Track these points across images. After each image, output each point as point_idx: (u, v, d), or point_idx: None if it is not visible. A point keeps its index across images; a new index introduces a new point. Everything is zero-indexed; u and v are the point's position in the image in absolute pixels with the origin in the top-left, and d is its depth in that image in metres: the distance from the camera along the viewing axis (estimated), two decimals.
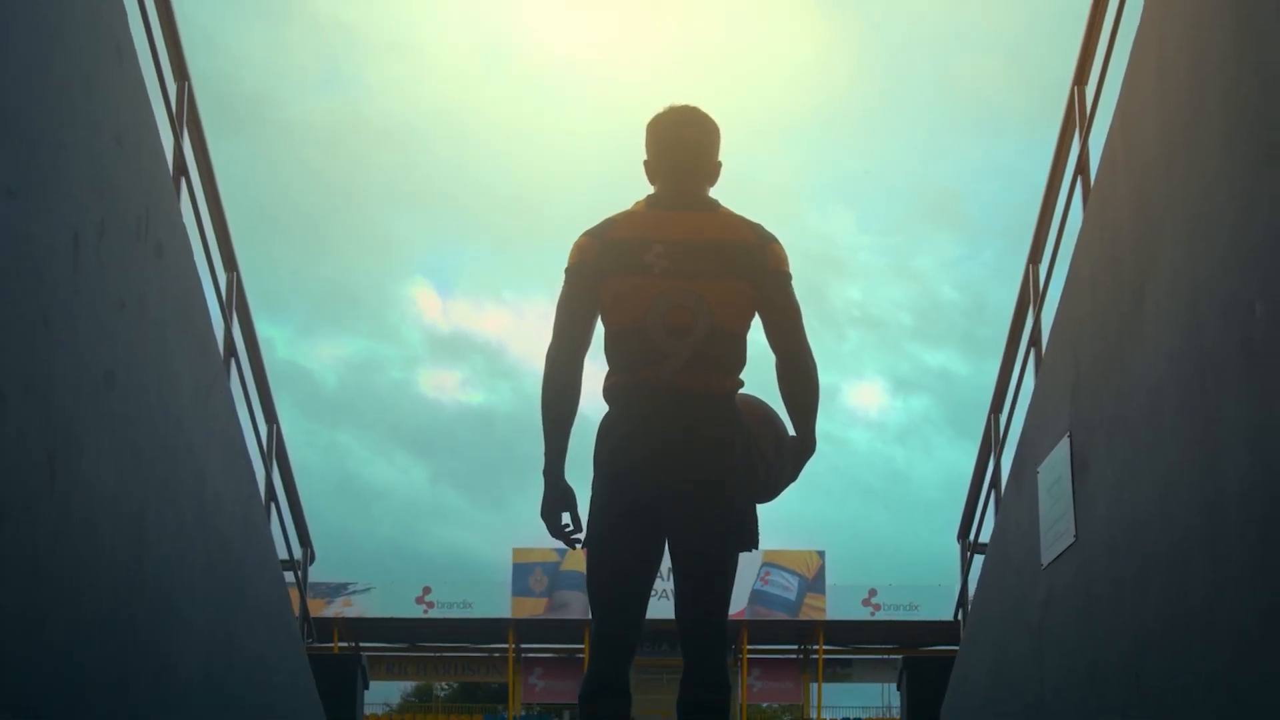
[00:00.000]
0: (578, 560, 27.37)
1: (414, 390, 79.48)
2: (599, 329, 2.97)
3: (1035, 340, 5.25)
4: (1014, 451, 5.37)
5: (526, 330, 75.38)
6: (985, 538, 6.23)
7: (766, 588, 29.65)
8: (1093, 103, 4.52)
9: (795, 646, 32.63)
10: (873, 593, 30.19)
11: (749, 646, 31.18)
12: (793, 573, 29.80)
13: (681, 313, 2.88)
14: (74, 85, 2.98)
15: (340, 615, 29.89)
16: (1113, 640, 3.84)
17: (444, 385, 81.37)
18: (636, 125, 3.14)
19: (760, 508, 3.00)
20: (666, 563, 2.97)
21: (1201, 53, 3.12)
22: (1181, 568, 3.22)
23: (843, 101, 78.92)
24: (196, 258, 4.35)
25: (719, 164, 3.07)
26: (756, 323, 2.98)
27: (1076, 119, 4.66)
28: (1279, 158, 2.62)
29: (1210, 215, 3.03)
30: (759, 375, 3.01)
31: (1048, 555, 4.62)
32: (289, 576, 6.46)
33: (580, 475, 2.94)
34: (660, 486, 2.83)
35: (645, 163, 3.06)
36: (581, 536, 2.92)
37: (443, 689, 41.49)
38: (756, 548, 2.97)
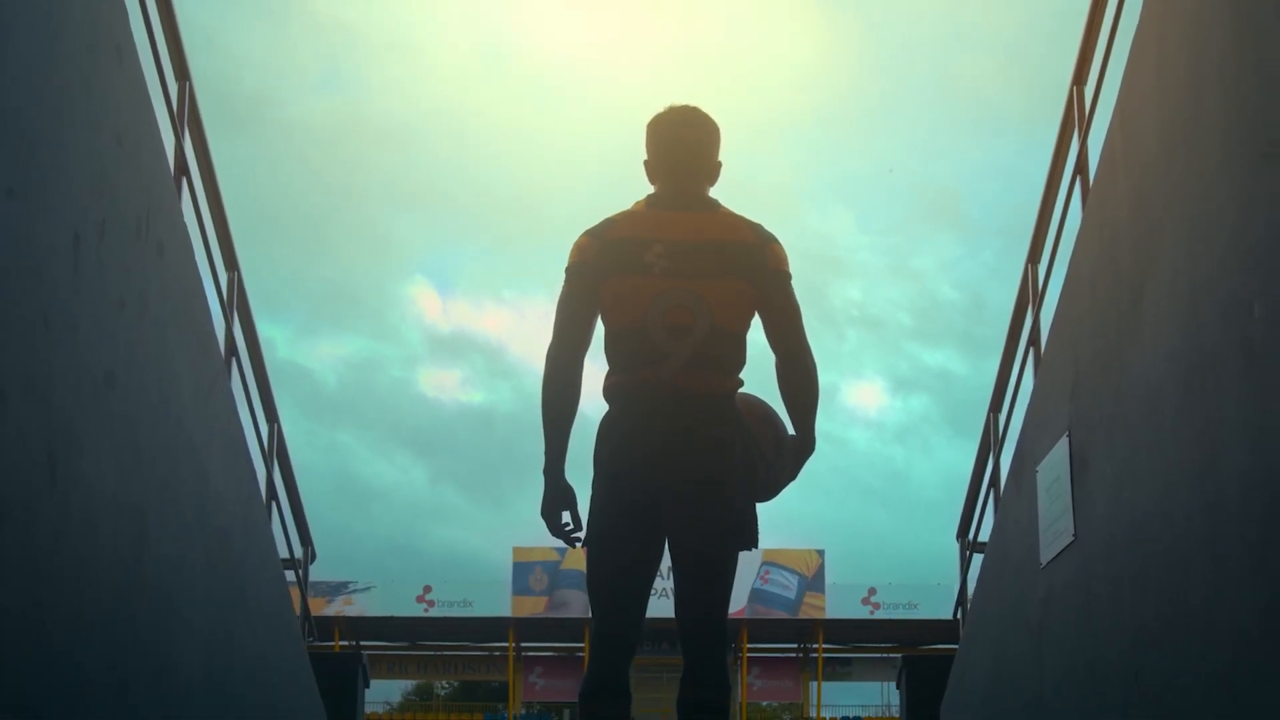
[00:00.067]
0: (578, 559, 27.38)
1: (414, 390, 79.50)
2: (599, 329, 2.98)
3: (1034, 340, 5.25)
4: (1013, 451, 5.38)
5: (526, 330, 75.42)
6: (984, 537, 6.23)
7: (766, 586, 29.67)
8: (1092, 102, 4.53)
9: (795, 645, 32.65)
10: (872, 591, 30.21)
11: (749, 645, 31.20)
12: (792, 572, 29.81)
13: (681, 313, 2.88)
14: (74, 85, 2.98)
15: (341, 614, 29.90)
16: (1112, 639, 3.84)
17: (444, 385, 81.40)
18: (637, 125, 3.15)
19: (760, 507, 3.01)
20: (666, 562, 2.97)
21: (1200, 52, 3.12)
22: (1181, 567, 3.23)
23: (842, 101, 78.94)
24: (197, 257, 4.35)
25: (719, 164, 3.08)
26: (756, 322, 2.99)
27: (1076, 119, 4.66)
28: (1278, 156, 2.63)
29: (1209, 214, 3.03)
30: (759, 375, 3.02)
31: (1047, 554, 4.62)
32: (290, 575, 6.46)
33: (580, 474, 2.95)
34: (660, 486, 2.84)
35: (645, 162, 3.07)
36: (581, 535, 2.92)
37: (443, 687, 41.52)
38: (756, 547, 2.98)
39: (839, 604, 29.94)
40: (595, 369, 2.99)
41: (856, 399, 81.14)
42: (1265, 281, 2.68)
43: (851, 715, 33.08)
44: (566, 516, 2.92)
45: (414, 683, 40.16)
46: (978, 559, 6.37)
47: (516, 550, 30.17)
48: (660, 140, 3.05)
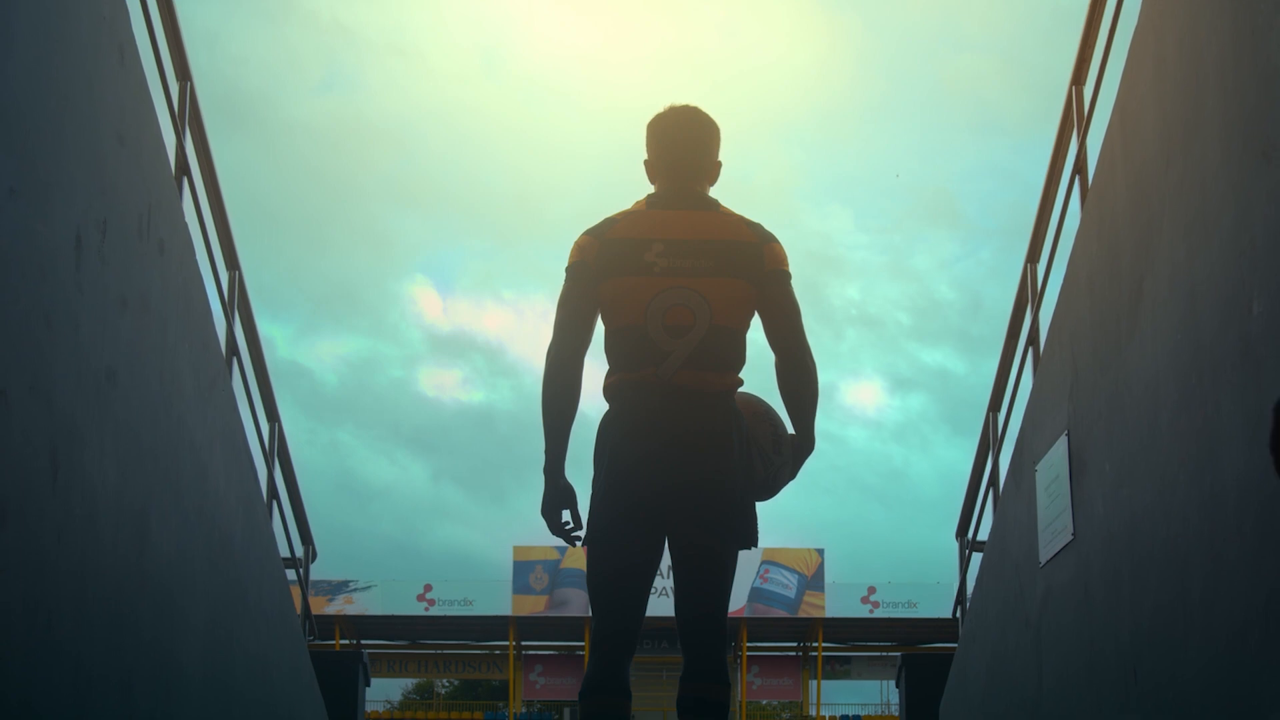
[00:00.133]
0: (578, 558, 27.40)
1: (414, 389, 79.54)
2: (599, 327, 2.99)
3: (1033, 339, 5.26)
4: (1012, 449, 5.39)
5: (526, 329, 75.46)
6: (984, 536, 6.24)
7: (766, 585, 29.66)
8: (1090, 102, 4.53)
9: (795, 644, 32.65)
10: (872, 590, 30.20)
11: (748, 644, 31.20)
12: (792, 570, 29.81)
13: (681, 311, 2.89)
14: (77, 85, 2.99)
15: (341, 613, 29.91)
16: (1110, 637, 3.85)
17: (444, 384, 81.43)
18: (636, 125, 3.16)
19: (759, 505, 3.02)
20: (666, 560, 2.98)
21: (1199, 51, 3.13)
22: (1179, 564, 3.24)
23: (841, 101, 78.98)
24: (198, 256, 4.36)
25: (719, 163, 3.09)
26: (756, 321, 3.00)
27: (1074, 118, 4.67)
28: (1276, 156, 2.63)
29: (1208, 213, 3.04)
30: (759, 374, 3.03)
31: (1046, 553, 4.63)
32: (290, 574, 6.47)
33: (580, 473, 2.96)
34: (660, 484, 2.85)
35: (646, 162, 3.08)
36: (581, 534, 2.93)
37: (444, 686, 41.51)
38: (756, 545, 2.98)
39: (838, 603, 29.93)
40: (595, 368, 3.00)
41: (855, 398, 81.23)
42: (1263, 280, 2.68)
43: (851, 714, 33.08)
44: (567, 515, 2.93)
45: (414, 681, 40.16)
46: (977, 558, 6.37)
47: (517, 549, 30.17)
48: (660, 140, 3.06)
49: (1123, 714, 3.72)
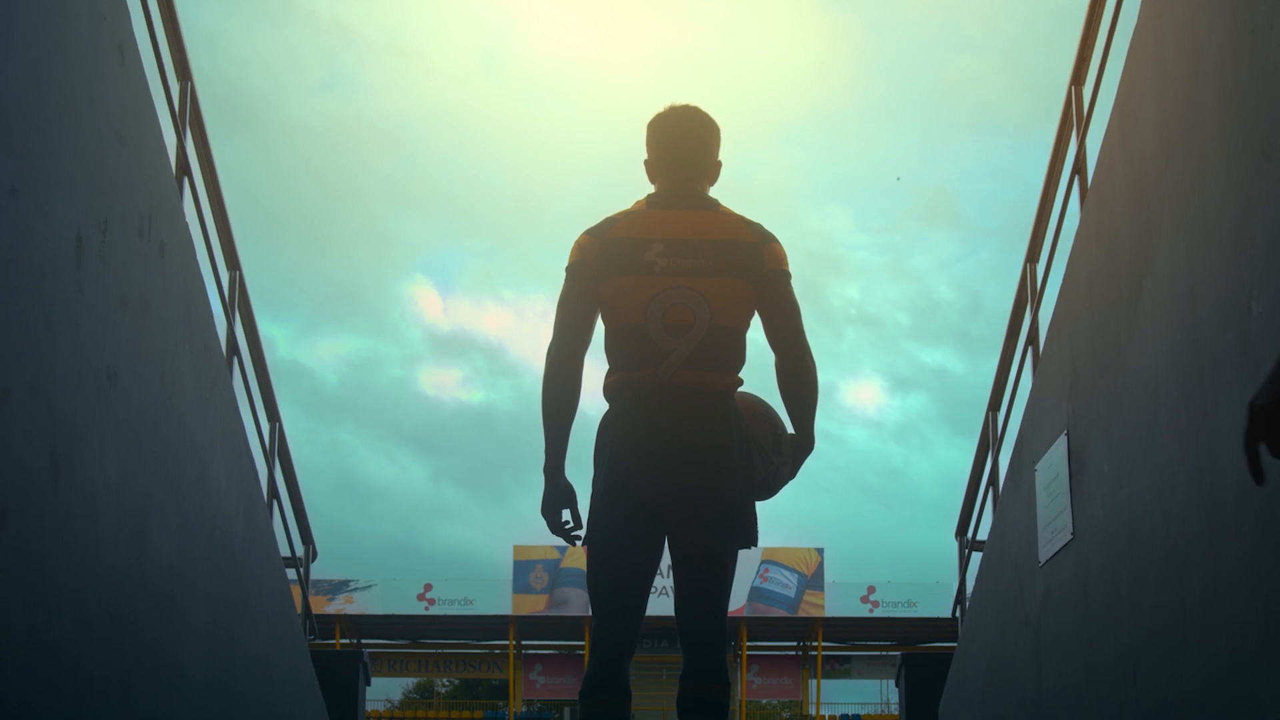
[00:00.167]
0: (578, 557, 27.40)
1: (415, 388, 79.55)
2: (600, 327, 2.99)
3: (1033, 339, 5.26)
4: (1012, 449, 5.39)
5: (526, 329, 75.48)
6: (983, 535, 6.25)
7: (766, 585, 29.67)
8: (1090, 102, 4.54)
9: (794, 643, 32.65)
10: (871, 590, 30.20)
11: (748, 643, 31.20)
12: (792, 570, 29.81)
13: (681, 311, 2.90)
14: (77, 85, 2.99)
15: (342, 612, 29.91)
16: (1110, 636, 3.85)
17: (444, 383, 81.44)
18: (637, 125, 3.16)
19: (759, 505, 3.02)
20: (666, 560, 2.99)
21: (1198, 51, 3.13)
22: (1178, 564, 3.24)
23: (841, 101, 79.01)
24: (199, 256, 4.36)
25: (719, 163, 3.09)
26: (756, 321, 3.00)
27: (1074, 119, 4.67)
28: (1275, 155, 2.64)
29: (1207, 213, 3.04)
30: (759, 374, 3.03)
31: (1045, 552, 4.64)
32: (291, 574, 6.48)
33: (580, 472, 2.96)
34: (660, 484, 2.85)
35: (646, 162, 3.08)
36: (581, 533, 2.93)
37: (444, 685, 41.52)
38: (756, 545, 2.99)
39: (838, 602, 29.94)
40: (596, 367, 3.00)
41: (855, 398, 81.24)
42: (1263, 279, 2.69)
43: (851, 713, 33.08)
44: (566, 514, 2.94)
45: (415, 680, 40.16)
46: (976, 557, 6.38)
47: (517, 548, 30.17)
48: (661, 139, 3.06)
49: (1122, 714, 3.72)
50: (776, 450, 3.03)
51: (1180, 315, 3.23)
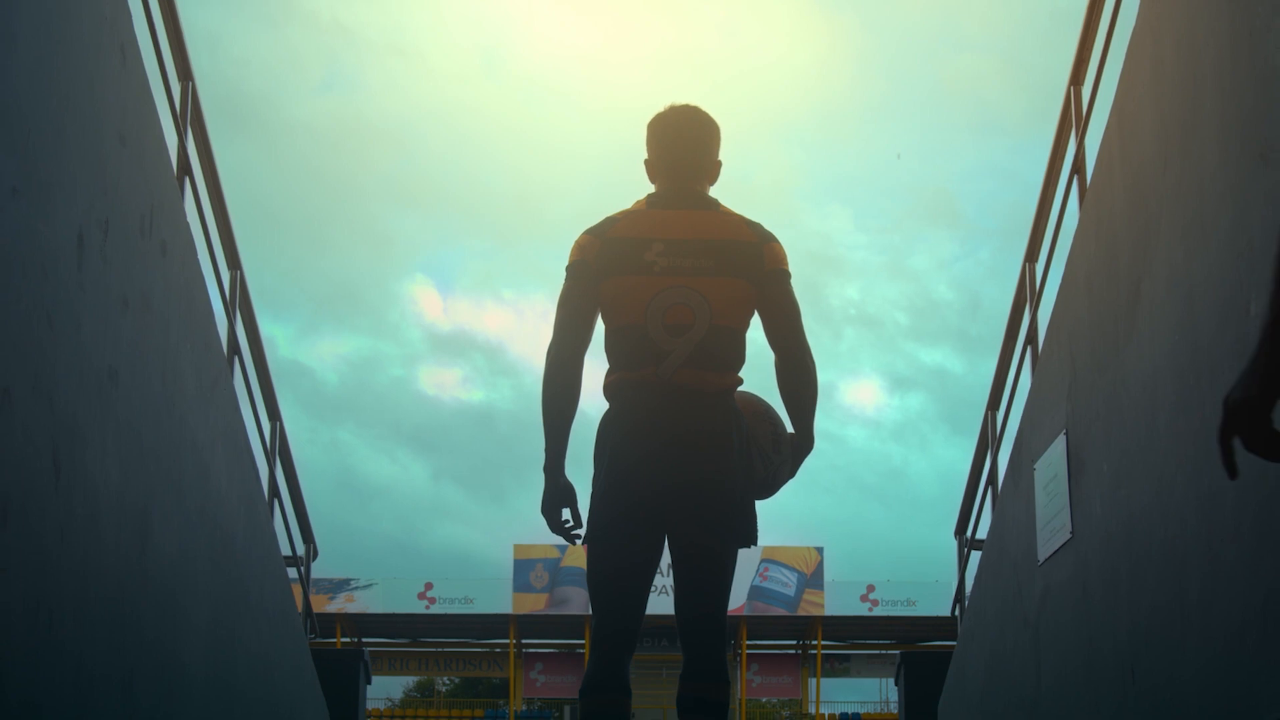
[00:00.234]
0: (578, 556, 27.38)
1: (415, 388, 79.58)
2: (600, 326, 3.00)
3: (1032, 338, 5.27)
4: (1011, 448, 5.40)
5: (526, 328, 75.50)
6: (982, 534, 6.25)
7: (765, 583, 29.67)
8: (1089, 103, 4.54)
9: (794, 642, 32.67)
10: (871, 588, 30.21)
11: (748, 642, 31.21)
12: (791, 569, 29.82)
13: (681, 310, 2.90)
14: (79, 85, 3.00)
15: (343, 611, 29.93)
16: (1108, 635, 3.86)
17: (444, 383, 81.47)
18: (637, 125, 3.17)
19: (759, 504, 3.03)
20: (666, 559, 2.99)
21: (1197, 52, 3.14)
22: (1177, 563, 3.25)
23: (840, 101, 79.03)
24: (200, 256, 4.37)
25: (719, 163, 3.10)
26: (756, 321, 3.01)
27: (1073, 119, 4.68)
28: (1273, 157, 2.65)
29: (1206, 213, 3.05)
30: (758, 374, 3.04)
31: (1044, 551, 4.64)
32: (292, 573, 6.49)
33: (580, 472, 2.97)
34: (660, 483, 2.85)
35: (646, 161, 3.09)
36: (581, 532, 2.94)
37: (444, 684, 41.53)
38: (755, 544, 2.99)
39: (838, 601, 29.95)
40: (596, 367, 3.01)
41: (854, 397, 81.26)
42: (1261, 280, 2.69)
43: (850, 712, 33.09)
44: (566, 513, 2.94)
45: (415, 679, 40.16)
46: (976, 556, 6.39)
47: (517, 547, 30.18)
48: (661, 139, 3.06)
49: (1120, 712, 3.73)
50: (776, 449, 3.04)
51: (1178, 316, 3.24)
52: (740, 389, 2.99)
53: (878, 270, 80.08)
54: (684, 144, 3.05)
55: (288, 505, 6.48)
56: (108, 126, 3.22)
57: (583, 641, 31.10)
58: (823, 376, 3.10)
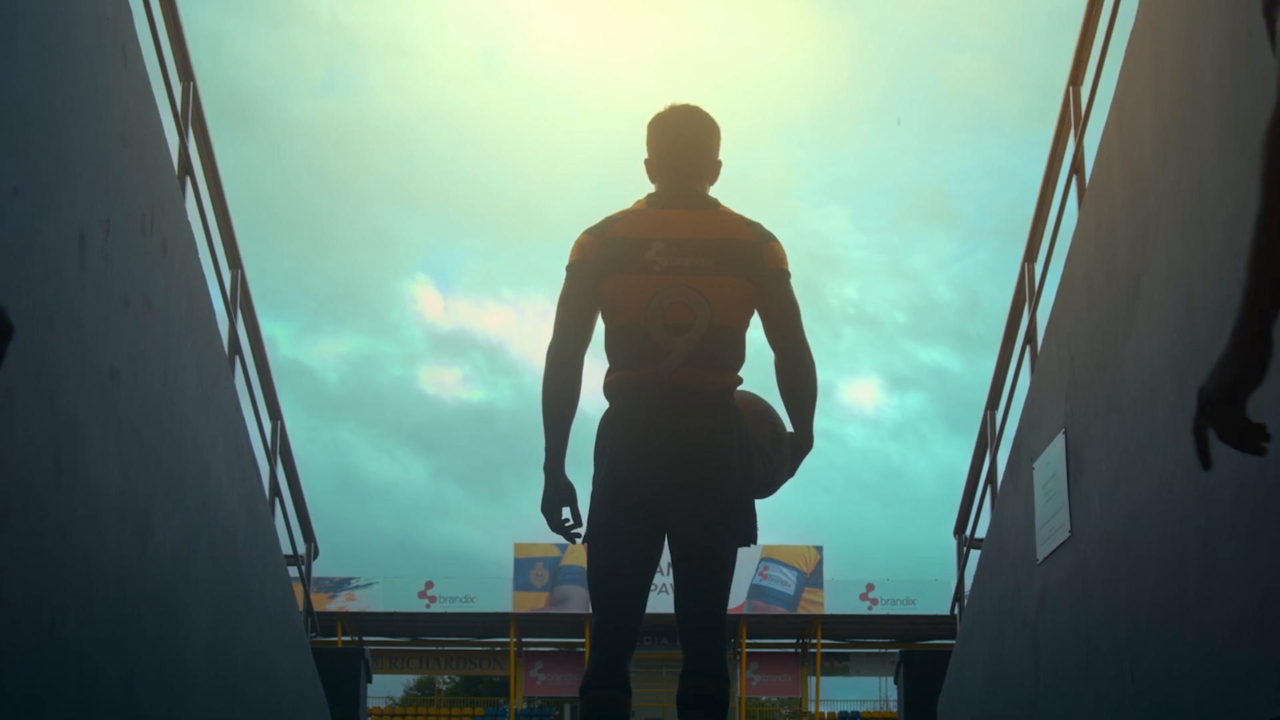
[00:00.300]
0: (579, 555, 27.39)
1: (415, 387, 79.60)
2: (600, 326, 3.00)
3: (1031, 338, 5.28)
4: (1010, 448, 5.40)
5: (527, 328, 75.51)
6: (981, 533, 6.26)
7: (765, 582, 29.69)
8: (1088, 102, 4.55)
9: (794, 640, 32.68)
10: (870, 587, 30.23)
11: (748, 640, 31.22)
12: (791, 567, 29.83)
13: (681, 310, 2.91)
14: (80, 85, 3.01)
15: (343, 610, 29.94)
16: (1107, 634, 3.87)
17: (445, 382, 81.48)
18: (637, 125, 3.17)
19: (759, 503, 3.03)
20: (666, 557, 3.00)
21: (1196, 51, 3.15)
22: (1176, 562, 3.26)
23: (840, 102, 79.06)
24: (201, 256, 4.38)
25: (719, 163, 3.10)
26: (755, 320, 3.01)
27: (1071, 118, 4.68)
28: None
29: (1204, 212, 3.06)
30: (758, 373, 3.04)
31: (1043, 550, 4.65)
32: (293, 572, 6.49)
33: (580, 471, 2.98)
34: (660, 482, 2.86)
35: (646, 161, 3.09)
36: (581, 531, 2.94)
37: (445, 682, 41.56)
38: (755, 543, 3.00)
39: (837, 600, 29.96)
40: (596, 366, 3.02)
41: (853, 396, 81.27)
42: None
43: (849, 710, 33.11)
44: (566, 513, 2.95)
45: (416, 677, 40.19)
46: (975, 555, 6.39)
47: (518, 546, 30.20)
48: (661, 139, 3.07)
49: (1119, 710, 3.74)
50: (776, 449, 3.05)
51: (1178, 314, 3.24)
52: (740, 388, 3.00)
53: (877, 270, 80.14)
54: (684, 144, 3.05)
55: (288, 504, 6.49)
56: (109, 126, 3.22)
57: (583, 640, 31.11)
58: (822, 376, 3.11)
